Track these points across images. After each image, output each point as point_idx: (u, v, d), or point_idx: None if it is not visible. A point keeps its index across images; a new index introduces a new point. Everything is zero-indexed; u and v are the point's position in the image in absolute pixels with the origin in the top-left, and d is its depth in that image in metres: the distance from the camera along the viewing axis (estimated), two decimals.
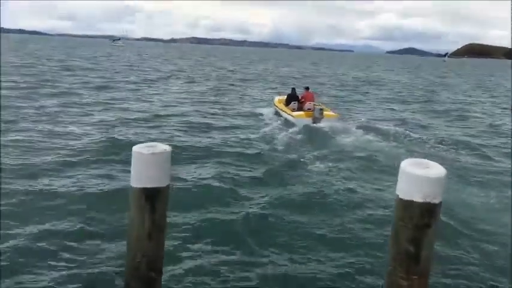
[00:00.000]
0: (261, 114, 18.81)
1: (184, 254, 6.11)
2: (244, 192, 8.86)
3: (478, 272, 6.09)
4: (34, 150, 10.92)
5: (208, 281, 5.51)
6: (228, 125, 16.16)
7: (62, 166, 9.70)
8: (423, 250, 3.02)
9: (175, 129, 14.68)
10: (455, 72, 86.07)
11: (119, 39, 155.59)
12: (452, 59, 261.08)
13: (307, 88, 18.09)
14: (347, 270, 5.99)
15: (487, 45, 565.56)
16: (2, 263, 5.55)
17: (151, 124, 15.30)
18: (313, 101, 16.99)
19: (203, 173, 9.82)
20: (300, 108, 16.75)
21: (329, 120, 15.64)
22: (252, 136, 14.13)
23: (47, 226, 6.71)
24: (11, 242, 6.08)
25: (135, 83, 30.05)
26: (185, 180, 9.14)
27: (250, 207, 7.98)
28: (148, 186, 3.33)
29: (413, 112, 23.40)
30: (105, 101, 19.91)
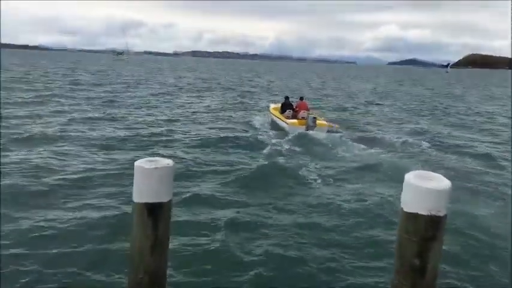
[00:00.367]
0: (256, 122, 19.68)
1: (189, 270, 6.06)
2: (238, 198, 9.12)
3: (485, 285, 6.02)
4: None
5: None
6: (226, 134, 16.59)
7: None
8: (429, 263, 2.98)
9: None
10: (463, 83, 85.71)
11: (122, 53, 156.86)
12: (454, 70, 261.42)
13: (301, 98, 18.96)
14: (350, 282, 5.94)
15: (489, 56, 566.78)
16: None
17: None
18: (308, 110, 17.68)
19: (202, 187, 9.82)
20: (294, 117, 17.43)
21: (322, 129, 16.34)
22: (247, 142, 14.81)
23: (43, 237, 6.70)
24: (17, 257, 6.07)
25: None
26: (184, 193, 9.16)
27: (241, 213, 8.12)
28: (151, 201, 3.30)
29: (429, 123, 23.23)
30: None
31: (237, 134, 16.53)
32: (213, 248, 6.77)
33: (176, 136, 15.83)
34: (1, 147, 12.25)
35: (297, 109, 17.90)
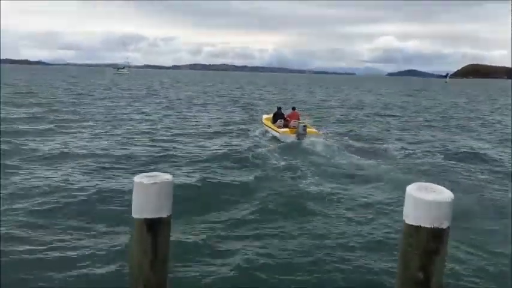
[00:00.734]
0: (251, 131, 20.65)
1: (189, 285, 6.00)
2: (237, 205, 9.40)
3: None
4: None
5: None
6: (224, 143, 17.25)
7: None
8: (433, 277, 2.93)
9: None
10: (466, 93, 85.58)
11: (123, 67, 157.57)
12: (453, 80, 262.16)
13: (293, 108, 19.87)
14: None
15: (487, 65, 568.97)
16: None
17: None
18: (299, 120, 18.51)
19: (203, 201, 9.79)
20: (285, 126, 18.38)
21: (311, 137, 17.19)
22: (241, 148, 15.70)
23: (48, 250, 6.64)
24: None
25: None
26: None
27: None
28: (150, 216, 3.25)
29: (436, 133, 23.19)
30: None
31: (234, 144, 17.01)
32: (216, 263, 6.71)
33: (177, 151, 15.78)
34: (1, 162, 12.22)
35: (288, 119, 18.73)
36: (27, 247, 6.94)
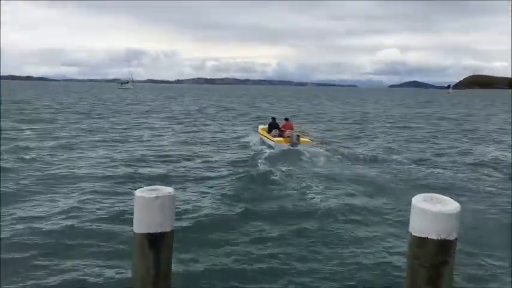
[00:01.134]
0: (250, 142, 21.47)
1: None
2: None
3: None
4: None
5: None
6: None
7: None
8: None
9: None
10: (472, 104, 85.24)
11: (127, 82, 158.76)
12: (456, 91, 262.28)
13: (286, 119, 20.93)
14: None
15: (488, 76, 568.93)
16: None
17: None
18: (292, 130, 19.50)
19: (205, 213, 9.69)
20: (280, 135, 19.40)
21: (304, 145, 18.05)
22: (238, 156, 16.82)
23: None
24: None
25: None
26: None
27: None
28: (152, 231, 3.20)
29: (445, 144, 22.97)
30: None
31: (234, 155, 17.63)
32: (220, 274, 6.63)
33: (178, 163, 15.76)
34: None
35: (283, 129, 19.79)
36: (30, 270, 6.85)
